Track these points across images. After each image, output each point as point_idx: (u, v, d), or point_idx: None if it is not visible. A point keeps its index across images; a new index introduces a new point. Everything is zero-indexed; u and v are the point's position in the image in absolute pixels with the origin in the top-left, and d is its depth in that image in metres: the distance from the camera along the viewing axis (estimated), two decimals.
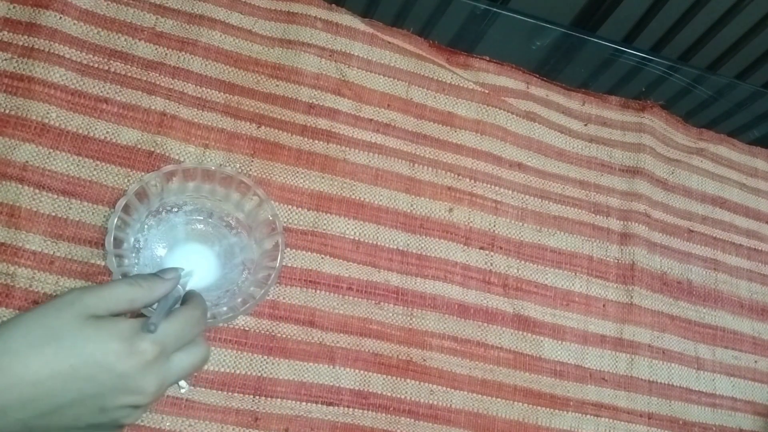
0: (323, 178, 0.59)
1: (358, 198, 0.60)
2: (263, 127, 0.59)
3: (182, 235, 0.52)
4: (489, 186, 0.64)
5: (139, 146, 0.55)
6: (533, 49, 0.75)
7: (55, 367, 0.34)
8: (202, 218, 0.53)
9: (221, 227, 0.53)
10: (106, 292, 0.38)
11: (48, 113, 0.53)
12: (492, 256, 0.62)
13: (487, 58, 0.69)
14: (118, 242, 0.46)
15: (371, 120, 0.63)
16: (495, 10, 0.73)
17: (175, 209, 0.52)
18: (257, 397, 0.52)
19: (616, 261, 0.67)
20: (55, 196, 0.51)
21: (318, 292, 0.56)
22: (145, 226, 0.51)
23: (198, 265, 0.50)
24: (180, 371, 0.39)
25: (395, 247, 0.60)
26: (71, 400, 0.35)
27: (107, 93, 0.55)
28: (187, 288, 0.47)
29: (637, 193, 0.69)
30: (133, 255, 0.49)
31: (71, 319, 0.36)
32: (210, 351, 0.42)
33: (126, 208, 0.47)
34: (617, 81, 0.77)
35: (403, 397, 0.56)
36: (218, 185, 0.52)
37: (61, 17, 0.55)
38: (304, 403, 0.53)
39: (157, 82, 0.57)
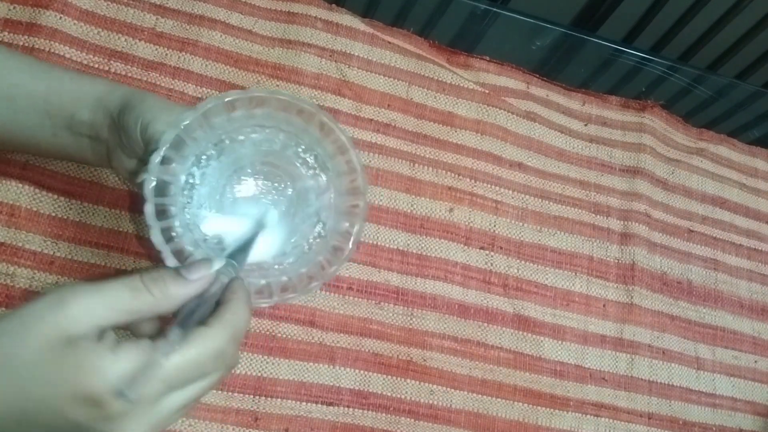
0: None
1: None
2: None
3: (248, 170, 0.44)
4: (489, 186, 0.64)
5: None
6: (533, 49, 0.75)
7: (4, 407, 0.28)
8: (274, 150, 0.45)
9: (297, 164, 0.45)
10: (96, 298, 0.30)
11: None
12: (492, 256, 0.62)
13: (487, 58, 0.69)
14: (161, 188, 0.39)
15: (371, 120, 0.63)
16: (495, 10, 0.73)
17: (242, 137, 0.44)
18: (257, 397, 0.52)
19: (617, 261, 0.67)
20: (56, 196, 0.51)
21: (318, 292, 0.56)
22: (203, 158, 0.43)
23: (264, 215, 0.43)
24: (180, 408, 0.31)
25: (395, 247, 0.60)
26: None
27: None
28: (254, 240, 0.40)
29: (637, 193, 0.69)
30: (185, 193, 0.42)
31: (36, 345, 0.28)
32: (237, 358, 0.33)
33: (176, 145, 0.40)
34: (617, 81, 0.77)
35: (403, 397, 0.56)
36: (296, 116, 0.44)
37: (61, 17, 0.55)
38: (304, 403, 0.53)
39: (158, 83, 0.57)
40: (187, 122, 0.40)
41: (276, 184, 0.45)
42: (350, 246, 0.42)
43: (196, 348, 0.30)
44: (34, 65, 0.44)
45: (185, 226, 0.40)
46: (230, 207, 0.44)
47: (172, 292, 0.32)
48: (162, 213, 0.39)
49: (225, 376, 0.33)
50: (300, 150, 0.45)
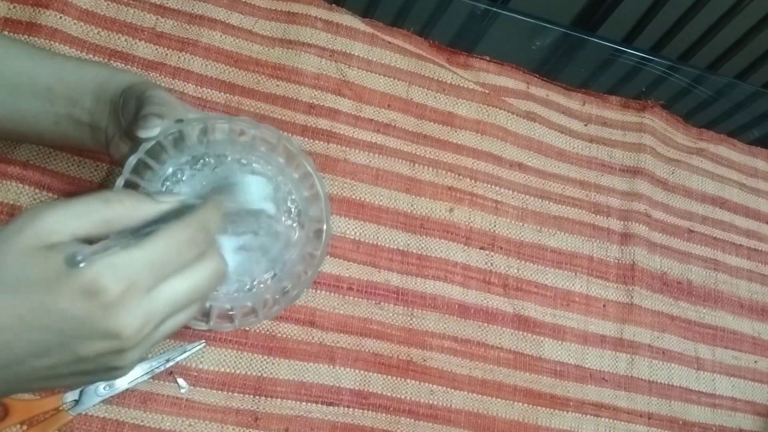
0: (324, 178, 0.59)
1: (358, 198, 0.60)
2: None
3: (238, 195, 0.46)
4: (489, 186, 0.64)
5: None
6: (533, 49, 0.75)
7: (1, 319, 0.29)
8: (269, 187, 0.46)
9: (281, 209, 0.46)
10: (69, 209, 0.30)
11: None
12: (492, 256, 0.62)
13: (488, 58, 0.69)
14: (142, 170, 0.41)
15: (371, 120, 0.63)
16: (495, 10, 0.73)
17: (244, 161, 0.46)
18: (257, 397, 0.52)
19: (617, 261, 0.67)
20: (56, 196, 0.51)
21: (318, 292, 0.56)
22: (200, 161, 0.44)
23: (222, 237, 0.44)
24: (174, 300, 0.32)
25: (395, 247, 0.60)
26: (33, 352, 0.30)
27: None
28: None
29: (637, 193, 0.69)
30: (167, 183, 0.43)
31: (18, 254, 0.29)
32: (224, 265, 0.34)
33: (173, 140, 0.41)
34: (617, 81, 0.77)
35: (403, 397, 0.56)
36: (293, 170, 0.46)
37: (61, 17, 0.55)
38: (304, 403, 0.53)
39: (158, 83, 0.57)
40: (192, 117, 0.42)
41: (253, 217, 0.45)
42: (272, 309, 0.43)
43: (170, 232, 0.31)
44: (36, 53, 0.44)
45: None
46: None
47: (142, 205, 0.33)
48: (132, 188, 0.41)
49: (213, 273, 0.33)
50: (290, 199, 0.46)
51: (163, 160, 0.43)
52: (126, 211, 0.32)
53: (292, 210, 0.47)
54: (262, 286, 0.45)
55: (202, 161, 0.45)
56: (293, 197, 0.46)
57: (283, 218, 0.46)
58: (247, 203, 0.45)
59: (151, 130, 0.40)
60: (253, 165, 0.46)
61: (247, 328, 0.53)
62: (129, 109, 0.41)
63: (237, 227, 0.45)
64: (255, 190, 0.46)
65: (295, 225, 0.46)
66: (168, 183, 0.43)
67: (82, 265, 0.29)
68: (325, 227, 0.46)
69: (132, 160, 0.40)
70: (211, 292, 0.34)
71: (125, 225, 0.32)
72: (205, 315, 0.42)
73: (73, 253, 0.29)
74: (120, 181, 0.40)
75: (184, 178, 0.44)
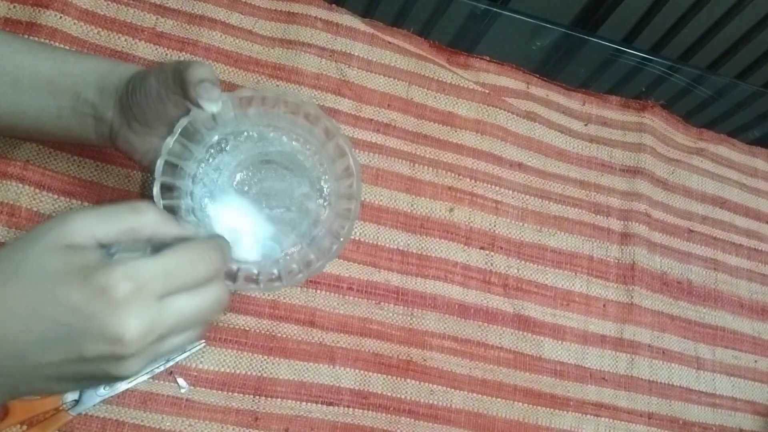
0: None
1: None
2: None
3: (275, 166, 0.47)
4: (489, 186, 0.64)
5: None
6: (533, 49, 0.75)
7: (13, 308, 0.30)
8: (305, 166, 0.48)
9: (314, 187, 0.48)
10: (96, 213, 0.32)
11: None
12: (492, 256, 0.62)
13: (488, 58, 0.69)
14: (192, 133, 0.43)
15: (371, 120, 0.63)
16: (495, 10, 0.73)
17: (285, 138, 0.48)
18: (257, 397, 0.52)
19: (617, 261, 0.67)
20: (56, 196, 0.51)
21: (318, 292, 0.56)
22: (243, 134, 0.46)
23: (255, 214, 0.46)
24: (179, 317, 0.32)
25: (395, 247, 0.60)
26: (38, 346, 0.30)
27: None
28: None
29: (637, 193, 0.69)
30: (211, 151, 0.45)
31: (41, 250, 0.31)
32: (228, 296, 0.35)
33: (187, 134, 0.43)
34: (617, 81, 0.77)
35: (403, 397, 0.56)
36: (332, 146, 0.47)
37: (61, 17, 0.55)
38: (304, 403, 0.53)
39: None
40: (245, 95, 0.43)
41: (287, 193, 0.47)
42: (296, 277, 0.45)
43: (187, 245, 0.33)
44: (37, 48, 0.44)
45: (189, 175, 0.44)
46: (239, 184, 0.46)
47: (166, 221, 0.34)
48: (180, 152, 0.43)
49: (218, 300, 0.34)
50: (323, 178, 0.48)
51: (210, 126, 0.44)
52: (149, 224, 0.33)
53: (325, 190, 0.48)
54: (288, 257, 0.47)
55: (245, 134, 0.46)
56: (326, 177, 0.48)
57: (315, 197, 0.48)
58: (283, 180, 0.47)
59: (215, 103, 0.40)
60: (293, 143, 0.47)
61: (247, 329, 0.53)
62: (147, 87, 0.41)
63: (270, 201, 0.47)
64: (293, 167, 0.47)
65: (325, 204, 0.48)
66: (212, 150, 0.45)
67: (115, 256, 0.31)
68: (353, 206, 0.46)
69: (183, 122, 0.42)
70: (213, 318, 0.35)
71: (147, 236, 0.33)
72: (231, 277, 0.43)
73: (113, 249, 0.31)
74: (170, 141, 0.42)
75: (227, 148, 0.46)
